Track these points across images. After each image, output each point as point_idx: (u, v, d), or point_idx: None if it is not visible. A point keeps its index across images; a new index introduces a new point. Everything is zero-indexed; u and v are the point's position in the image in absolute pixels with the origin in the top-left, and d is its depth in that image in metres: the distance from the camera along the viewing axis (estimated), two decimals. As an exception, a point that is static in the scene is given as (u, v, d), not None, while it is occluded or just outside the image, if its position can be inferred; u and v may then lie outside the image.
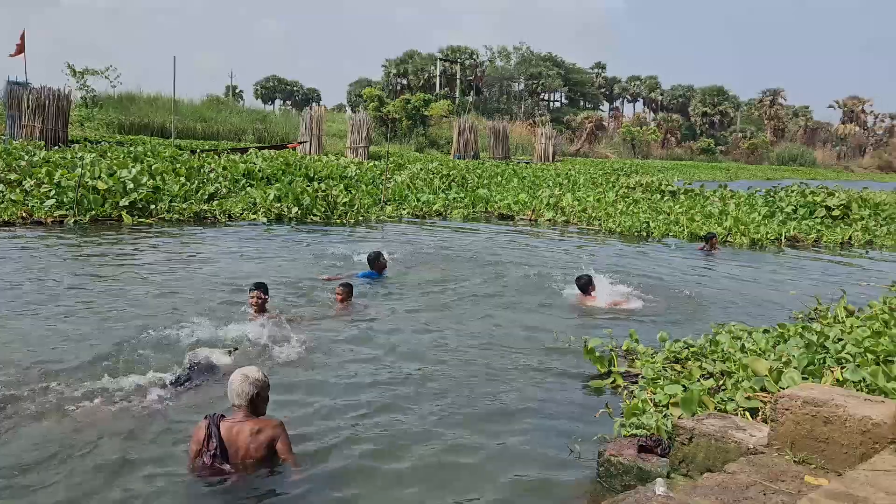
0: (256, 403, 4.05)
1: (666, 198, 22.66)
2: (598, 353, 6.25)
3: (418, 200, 19.28)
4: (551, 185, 25.25)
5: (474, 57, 79.70)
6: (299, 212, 15.86)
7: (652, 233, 16.36)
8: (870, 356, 5.26)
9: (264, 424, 4.02)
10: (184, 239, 12.57)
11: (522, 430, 5.01)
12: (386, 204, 18.38)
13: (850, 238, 16.80)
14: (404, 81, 78.70)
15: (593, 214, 18.52)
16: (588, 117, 70.23)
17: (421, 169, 25.50)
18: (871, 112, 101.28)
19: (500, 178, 26.42)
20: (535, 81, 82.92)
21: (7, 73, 28.93)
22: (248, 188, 17.77)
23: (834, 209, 19.64)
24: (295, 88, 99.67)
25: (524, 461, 4.54)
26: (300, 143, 34.09)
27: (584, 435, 4.79)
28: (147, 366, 5.77)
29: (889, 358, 5.16)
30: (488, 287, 9.83)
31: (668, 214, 18.69)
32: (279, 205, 16.02)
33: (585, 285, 9.01)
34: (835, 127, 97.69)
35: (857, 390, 4.61)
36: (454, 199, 20.43)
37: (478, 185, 23.91)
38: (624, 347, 6.63)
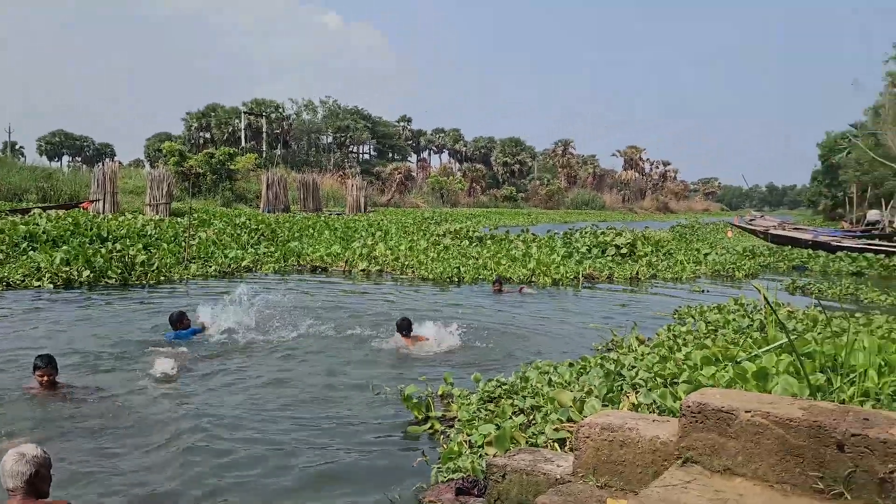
0: (36, 484, 3.56)
1: (474, 244, 23.59)
2: (415, 400, 6.26)
3: (226, 256, 18.52)
4: (364, 235, 25.39)
5: (280, 110, 79.09)
6: (91, 275, 14.59)
7: (463, 277, 16.89)
8: (659, 380, 5.73)
9: None
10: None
11: (342, 491, 4.86)
12: (190, 262, 17.45)
13: (637, 273, 18.41)
14: (207, 135, 76.20)
15: (406, 262, 18.81)
16: (397, 168, 71.93)
17: (228, 224, 24.61)
18: (647, 159, 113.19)
19: (311, 231, 26.14)
20: (344, 134, 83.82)
21: None
22: (31, 252, 16.10)
23: (622, 247, 21.49)
24: (85, 143, 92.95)
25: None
26: (92, 201, 31.61)
27: (405, 485, 4.74)
28: None
29: (675, 380, 5.65)
30: (304, 341, 9.58)
31: (477, 259, 19.44)
32: (68, 268, 14.64)
33: (405, 327, 9.11)
34: (618, 173, 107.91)
35: (651, 412, 4.99)
36: (264, 253, 19.87)
37: (289, 238, 23.47)
38: (440, 392, 6.71)
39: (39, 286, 13.76)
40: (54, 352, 7.28)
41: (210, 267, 17.37)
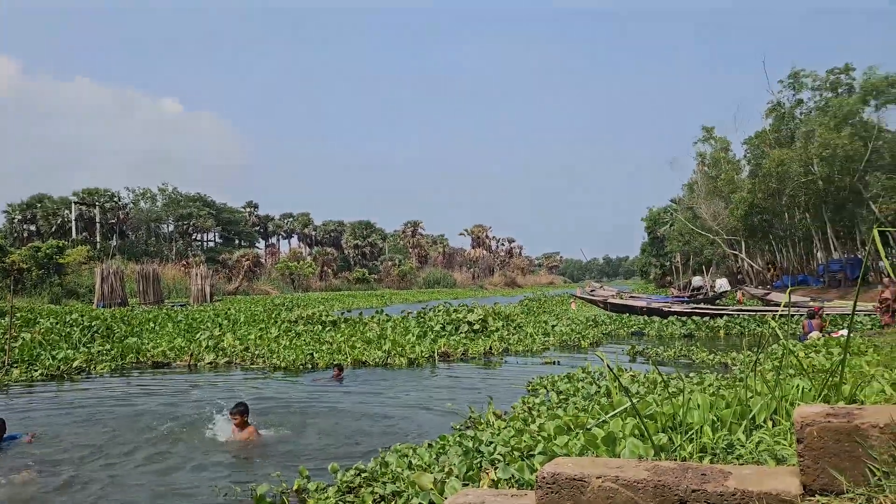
0: None
1: (328, 328, 23.20)
2: (268, 500, 5.92)
3: (54, 358, 16.95)
4: (210, 326, 24.26)
5: (115, 199, 75.23)
6: None
7: (317, 363, 16.48)
8: (516, 453, 5.80)
9: None
10: None
11: None
12: (11, 366, 15.82)
13: (490, 347, 18.82)
14: (33, 227, 70.79)
15: (256, 352, 18.11)
16: (244, 255, 70.09)
17: (57, 322, 22.68)
18: (493, 237, 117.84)
19: (152, 324, 24.62)
20: (186, 222, 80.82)
21: None
22: None
23: (474, 324, 21.95)
24: None
25: None
26: None
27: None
28: None
29: (531, 452, 5.74)
30: (133, 444, 8.85)
31: (332, 344, 19.09)
32: None
33: (240, 413, 8.58)
34: (467, 251, 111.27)
35: (510, 486, 5.02)
36: (98, 351, 18.40)
37: (127, 333, 21.96)
38: (295, 487, 6.40)
39: None
40: None
41: (35, 370, 15.83)
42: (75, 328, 21.40)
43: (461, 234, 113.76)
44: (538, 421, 7.14)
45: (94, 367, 16.92)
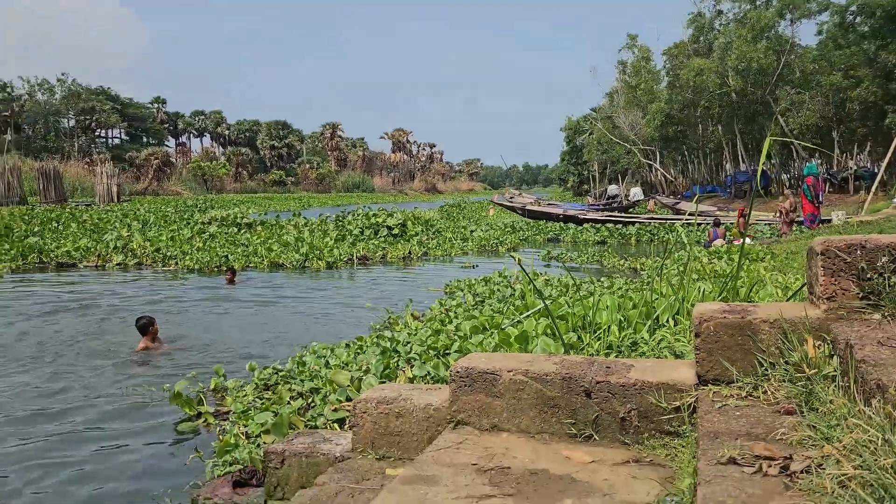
0: None
1: (243, 230, 22.76)
2: (185, 397, 5.91)
3: (-52, 257, 16.06)
4: (119, 226, 23.37)
5: (8, 90, 69.92)
6: None
7: (233, 266, 16.24)
8: (432, 352, 5.95)
9: None
10: None
11: (107, 499, 4.46)
12: None
13: (409, 252, 18.95)
14: (-84, 118, 65.34)
15: (168, 253, 17.64)
16: (153, 154, 67.12)
17: (-51, 220, 21.37)
18: (415, 142, 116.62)
19: (55, 224, 23.53)
20: (88, 117, 76.22)
21: None
22: None
23: (394, 228, 21.99)
24: None
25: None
26: None
27: (178, 485, 4.47)
28: None
29: (447, 351, 5.90)
30: (49, 342, 8.61)
31: (247, 246, 18.79)
32: None
33: (145, 326, 8.33)
34: (387, 156, 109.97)
35: (425, 383, 5.17)
36: (-2, 252, 17.52)
37: (27, 233, 20.92)
38: (212, 386, 6.40)
39: None
40: None
41: (-73, 270, 14.97)
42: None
43: (382, 137, 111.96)
44: (455, 322, 7.32)
45: (-7, 268, 16.15)
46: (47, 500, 4.46)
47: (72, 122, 77.42)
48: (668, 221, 26.72)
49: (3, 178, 37.48)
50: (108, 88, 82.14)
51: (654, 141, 48.03)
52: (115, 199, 43.19)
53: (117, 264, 17.06)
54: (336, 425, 4.79)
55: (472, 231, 24.56)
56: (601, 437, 2.84)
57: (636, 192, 40.72)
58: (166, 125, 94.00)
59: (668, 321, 5.14)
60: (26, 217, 24.53)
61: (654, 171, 52.82)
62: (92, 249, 18.11)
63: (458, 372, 3.08)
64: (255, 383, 6.14)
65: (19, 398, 6.48)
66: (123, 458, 5.13)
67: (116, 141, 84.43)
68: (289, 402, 5.45)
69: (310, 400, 5.52)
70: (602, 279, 10.76)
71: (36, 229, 21.70)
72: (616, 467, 2.60)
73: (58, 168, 42.79)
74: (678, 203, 37.15)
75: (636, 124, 49.42)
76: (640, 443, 2.77)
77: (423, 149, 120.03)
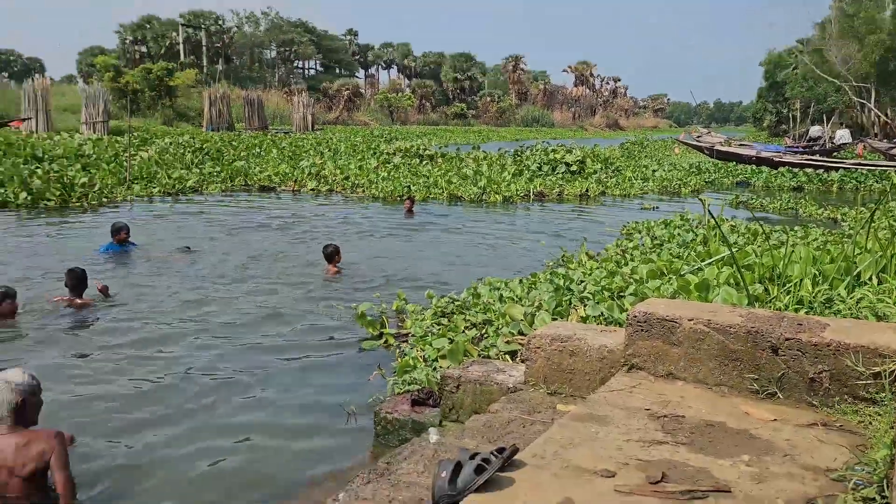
0: (23, 412, 3.46)
1: (425, 162, 23.44)
2: (369, 318, 6.34)
3: (170, 177, 18.03)
4: (312, 154, 24.95)
5: (220, 22, 75.64)
6: (29, 197, 14.09)
7: (414, 196, 16.87)
8: (606, 293, 5.91)
9: (35, 436, 3.42)
10: None
11: (298, 405, 4.96)
12: (133, 182, 16.97)
13: (587, 190, 18.64)
14: (143, 49, 72.64)
15: (356, 181, 18.64)
16: (345, 85, 70.19)
17: (170, 143, 23.84)
18: (598, 76, 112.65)
19: (258, 150, 25.55)
20: (288, 49, 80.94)
21: None
22: (-39, 174, 15.41)
23: (572, 165, 21.64)
24: (12, 58, 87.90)
25: (303, 434, 4.51)
26: (23, 119, 30.21)
27: (361, 398, 4.87)
28: None
29: (621, 293, 5.83)
30: (250, 261, 9.53)
31: (428, 178, 19.38)
32: (3, 191, 14.11)
33: (331, 255, 8.92)
34: (569, 90, 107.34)
35: (598, 324, 5.16)
36: (209, 173, 19.41)
37: (235, 157, 22.92)
38: (394, 308, 6.80)
39: (-27, 209, 13.26)
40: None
41: (154, 188, 16.94)
42: (187, 150, 22.47)
43: (564, 70, 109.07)
44: (631, 264, 7.17)
45: (206, 187, 17.95)
46: (246, 402, 5.03)
47: (273, 54, 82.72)
48: (881, 168, 24.01)
49: (215, 105, 41.04)
50: (307, 21, 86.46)
51: (870, 78, 42.91)
52: (310, 128, 45.96)
53: (311, 189, 18.31)
54: (508, 357, 4.94)
55: (653, 171, 23.60)
56: (785, 396, 2.72)
57: (843, 135, 36.82)
58: (357, 57, 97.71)
59: (870, 279, 4.72)
60: (234, 143, 26.81)
61: (866, 111, 47.38)
62: (289, 175, 19.55)
63: (635, 316, 3.05)
64: (433, 310, 6.44)
65: (224, 313, 7.27)
66: (312, 370, 5.65)
67: (312, 72, 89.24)
68: (463, 331, 5.68)
69: (483, 331, 5.72)
70: (796, 228, 10.00)
71: (242, 154, 23.70)
72: (800, 428, 2.49)
73: (261, 97, 46.14)
74: (893, 148, 33.23)
75: (850, 58, 44.31)
76: (829, 406, 2.62)
77: (607, 83, 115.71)
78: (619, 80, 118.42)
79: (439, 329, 5.88)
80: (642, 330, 3.03)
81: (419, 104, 77.64)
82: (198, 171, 19.52)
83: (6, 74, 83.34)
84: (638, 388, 2.86)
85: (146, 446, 4.27)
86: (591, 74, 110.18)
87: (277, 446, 4.32)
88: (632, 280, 6.17)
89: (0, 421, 3.42)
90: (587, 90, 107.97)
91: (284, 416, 4.75)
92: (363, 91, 77.82)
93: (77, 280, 6.97)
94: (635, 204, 17.05)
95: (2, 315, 6.36)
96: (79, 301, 6.97)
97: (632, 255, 8.48)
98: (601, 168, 22.18)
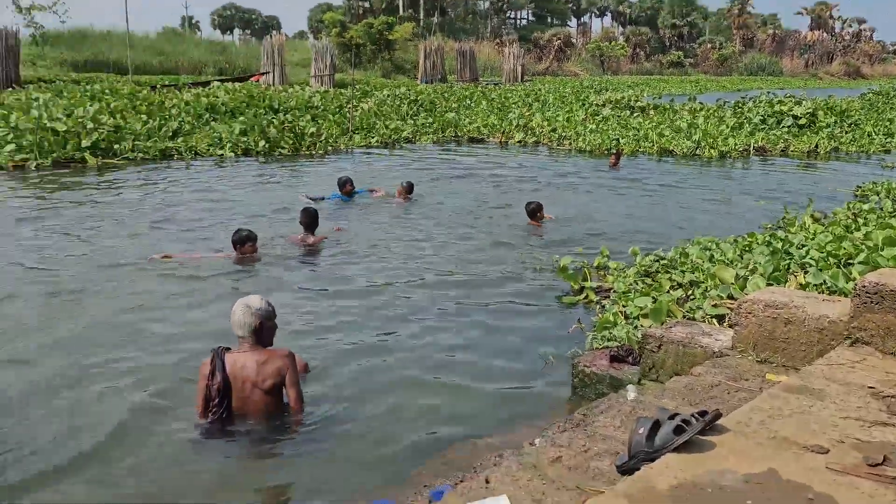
0: (261, 334, 3.94)
1: (636, 114, 22.61)
2: (570, 271, 6.37)
3: (387, 128, 19.05)
4: (520, 105, 25.02)
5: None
6: (266, 145, 15.62)
7: (622, 150, 16.41)
8: (831, 260, 5.43)
9: (271, 355, 3.91)
10: (151, 177, 12.36)
11: (499, 349, 5.15)
12: (354, 133, 18.15)
13: (816, 146, 16.99)
14: (366, 4, 76.35)
15: (563, 134, 18.48)
16: (556, 34, 69.05)
17: (388, 95, 25.09)
18: (839, 17, 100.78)
19: (468, 101, 26.11)
20: (501, 0, 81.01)
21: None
22: (212, 123, 17.37)
23: (801, 118, 19.77)
24: (253, 16, 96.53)
25: (502, 377, 4.70)
26: (262, 74, 33.24)
27: (559, 349, 4.95)
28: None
29: (849, 261, 5.33)
30: (460, 209, 9.89)
31: (638, 131, 18.71)
32: (245, 139, 15.75)
33: (534, 212, 8.94)
34: (802, 34, 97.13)
35: (819, 293, 4.79)
36: (422, 124, 20.22)
37: (446, 109, 23.63)
38: (595, 264, 6.76)
39: (221, 154, 14.96)
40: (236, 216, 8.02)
41: (372, 138, 18.00)
42: (403, 102, 23.53)
43: (797, 13, 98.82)
44: (864, 229, 6.51)
45: (419, 138, 18.75)
46: (451, 341, 5.31)
47: (486, 5, 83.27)
48: None
49: (429, 58, 42.36)
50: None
51: None
52: (519, 79, 45.99)
53: (517, 141, 18.46)
54: (714, 320, 4.75)
55: (901, 125, 20.88)
56: None
57: None
58: (570, 5, 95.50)
59: None
60: (446, 94, 27.60)
61: None
62: (497, 126, 19.82)
63: (864, 287, 2.81)
64: (637, 268, 6.32)
65: (437, 256, 7.66)
66: (514, 317, 5.82)
67: (524, 22, 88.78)
68: (668, 291, 5.54)
69: (689, 292, 5.53)
70: None
71: (453, 106, 24.36)
72: None
73: (472, 49, 46.82)
74: None
75: None
76: None
77: (848, 25, 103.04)
78: (865, 22, 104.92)
79: (642, 287, 5.77)
80: (872, 302, 2.79)
81: (632, 53, 74.53)
82: (412, 122, 20.40)
83: (248, 32, 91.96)
84: (861, 363, 2.65)
85: (364, 369, 4.69)
86: (830, 16, 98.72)
87: (477, 387, 4.55)
88: (863, 247, 5.60)
89: (242, 340, 3.93)
90: (824, 34, 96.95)
91: (486, 358, 4.97)
92: (574, 41, 76.10)
93: (310, 219, 7.75)
94: (873, 162, 15.27)
95: (245, 256, 7.17)
96: (311, 238, 7.74)
97: (866, 218, 7.67)
98: (835, 121, 20.03)
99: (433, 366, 4.84)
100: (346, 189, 10.38)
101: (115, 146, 14.16)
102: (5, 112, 14.68)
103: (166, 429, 3.96)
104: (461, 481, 2.67)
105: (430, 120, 20.82)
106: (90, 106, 15.61)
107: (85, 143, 13.65)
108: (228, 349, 3.98)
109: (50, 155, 13.15)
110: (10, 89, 22.61)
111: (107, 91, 19.87)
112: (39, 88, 21.54)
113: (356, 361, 4.86)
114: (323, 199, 10.18)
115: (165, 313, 5.74)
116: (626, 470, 2.22)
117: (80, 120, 14.23)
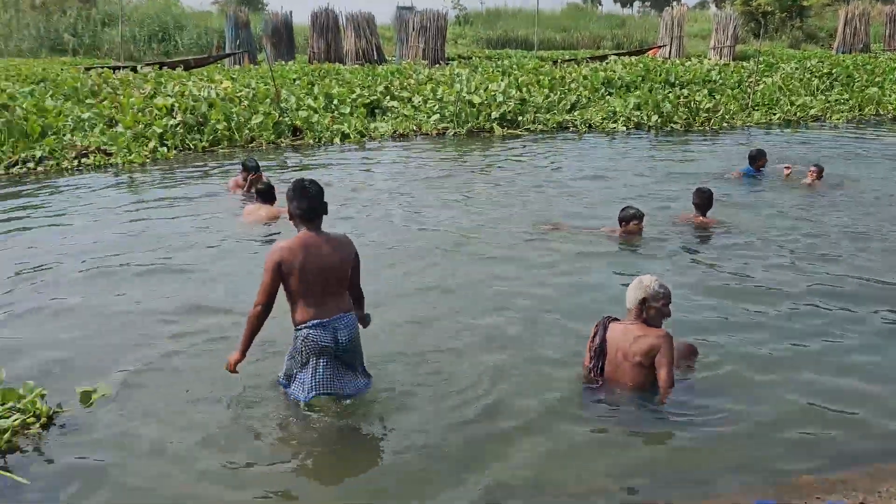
0: (644, 310, 4.05)
1: None
2: None
3: (792, 104, 17.43)
4: None
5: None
6: (659, 120, 15.52)
7: None
8: None
9: (649, 332, 4.01)
10: (551, 148, 13.22)
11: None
12: (754, 109, 17.00)
13: None
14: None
15: None
16: None
17: (796, 68, 22.80)
18: None
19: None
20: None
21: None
22: (608, 97, 17.78)
23: None
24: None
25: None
26: (660, 47, 32.78)
27: None
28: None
29: None
30: (888, 201, 8.76)
31: None
32: (638, 113, 15.85)
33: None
34: None
35: None
36: (836, 100, 18.05)
37: (867, 83, 20.65)
38: None
39: (614, 128, 15.29)
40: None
41: (774, 114, 16.71)
42: (814, 75, 21.21)
43: None
44: None
45: (830, 116, 16.84)
46: (838, 351, 4.81)
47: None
48: None
49: (850, 24, 37.30)
50: None
51: None
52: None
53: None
54: None
55: None
56: None
57: None
58: None
59: None
60: (867, 66, 24.11)
61: None
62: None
63: None
64: None
65: (857, 257, 6.93)
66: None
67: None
68: None
69: None
70: None
71: (877, 80, 21.20)
72: None
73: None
74: None
75: None
76: None
77: None
78: None
79: None
80: None
81: None
82: (823, 98, 18.36)
83: (648, 3, 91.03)
84: None
85: (759, 369, 4.54)
86: None
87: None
88: None
89: (629, 312, 4.11)
90: None
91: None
92: None
93: (704, 199, 7.48)
94: None
95: (630, 233, 7.14)
96: (702, 219, 7.54)
97: None
98: None
99: (842, 377, 4.47)
100: (760, 163, 9.80)
101: (519, 118, 15.40)
102: (434, 86, 16.92)
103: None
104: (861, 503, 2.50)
105: (846, 96, 18.49)
106: (501, 81, 17.18)
107: (494, 114, 15.11)
108: (617, 319, 4.21)
109: (465, 125, 14.85)
110: (437, 65, 25.89)
111: (514, 66, 21.60)
112: (460, 64, 24.29)
113: (751, 364, 4.62)
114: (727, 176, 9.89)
115: (543, 279, 6.12)
116: None
117: (492, 93, 15.77)
